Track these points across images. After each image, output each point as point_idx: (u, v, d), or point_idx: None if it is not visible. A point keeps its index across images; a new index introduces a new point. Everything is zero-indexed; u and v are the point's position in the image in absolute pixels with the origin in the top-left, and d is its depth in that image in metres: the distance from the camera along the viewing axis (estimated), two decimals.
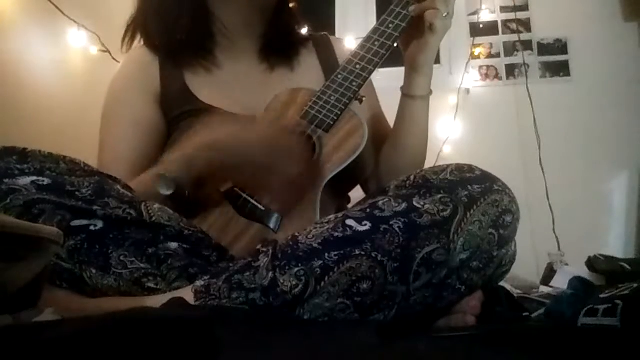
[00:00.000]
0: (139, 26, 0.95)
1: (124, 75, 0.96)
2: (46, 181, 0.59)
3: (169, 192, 0.71)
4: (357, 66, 0.85)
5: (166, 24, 0.92)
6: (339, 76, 0.85)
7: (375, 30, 0.87)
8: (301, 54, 1.01)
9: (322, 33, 1.10)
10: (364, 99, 0.86)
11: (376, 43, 0.86)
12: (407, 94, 0.89)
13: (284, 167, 0.71)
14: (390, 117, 0.96)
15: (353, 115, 0.82)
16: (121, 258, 0.59)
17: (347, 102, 0.82)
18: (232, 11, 0.93)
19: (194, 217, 0.73)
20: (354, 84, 0.83)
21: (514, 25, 2.27)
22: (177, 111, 0.89)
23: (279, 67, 0.98)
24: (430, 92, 0.90)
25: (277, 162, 0.71)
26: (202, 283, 0.59)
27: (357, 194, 0.91)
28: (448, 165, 0.69)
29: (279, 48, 0.99)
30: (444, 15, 0.81)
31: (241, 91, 0.93)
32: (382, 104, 1.06)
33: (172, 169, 0.72)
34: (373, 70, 0.85)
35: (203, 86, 0.92)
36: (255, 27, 0.97)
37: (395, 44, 0.86)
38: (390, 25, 0.86)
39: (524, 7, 2.27)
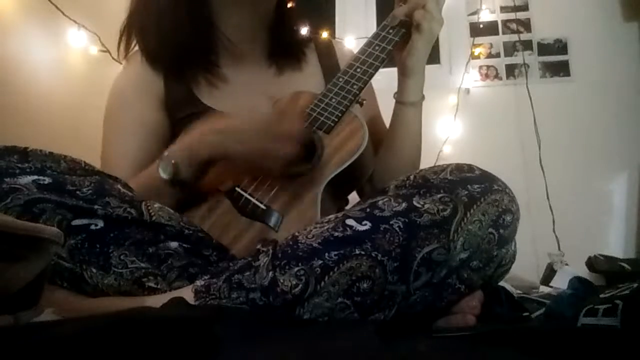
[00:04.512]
0: (137, 37, 0.92)
1: (128, 76, 0.95)
2: (47, 180, 0.59)
3: (167, 176, 0.71)
4: (359, 70, 0.86)
5: (165, 38, 0.88)
6: (341, 79, 0.86)
7: (376, 35, 0.90)
8: (305, 56, 1.01)
9: (325, 36, 1.10)
10: (364, 101, 0.88)
11: (377, 48, 0.88)
12: (398, 100, 0.91)
13: (286, 166, 0.71)
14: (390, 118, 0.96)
15: (354, 117, 0.82)
16: (121, 257, 0.59)
17: (348, 104, 0.83)
18: (231, 17, 0.92)
19: (193, 209, 0.74)
20: (355, 87, 0.84)
21: (514, 25, 2.27)
22: (182, 114, 0.89)
23: (287, 70, 0.98)
24: (423, 98, 0.91)
25: (279, 162, 0.71)
26: (202, 283, 0.59)
27: (353, 196, 0.92)
28: (448, 165, 0.70)
29: (286, 51, 0.99)
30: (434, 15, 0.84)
31: (249, 96, 0.92)
32: (381, 104, 1.07)
33: (175, 154, 0.72)
34: (374, 74, 0.87)
35: (209, 91, 0.91)
36: (257, 31, 0.96)
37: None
38: (391, 31, 0.89)
39: (524, 7, 2.27)
